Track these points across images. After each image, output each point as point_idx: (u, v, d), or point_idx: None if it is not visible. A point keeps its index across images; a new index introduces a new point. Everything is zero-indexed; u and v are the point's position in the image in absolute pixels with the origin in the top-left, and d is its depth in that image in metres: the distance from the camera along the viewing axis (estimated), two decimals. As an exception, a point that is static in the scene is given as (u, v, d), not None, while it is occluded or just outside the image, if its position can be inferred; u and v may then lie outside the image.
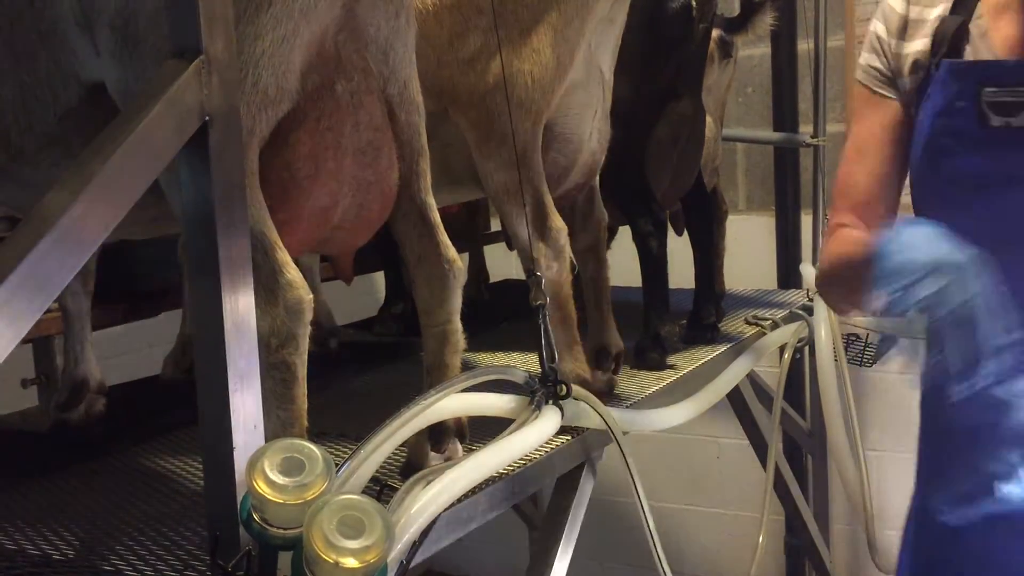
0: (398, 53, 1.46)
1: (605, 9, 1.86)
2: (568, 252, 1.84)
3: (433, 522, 1.26)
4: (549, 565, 1.64)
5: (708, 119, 2.53)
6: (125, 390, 2.17)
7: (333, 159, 1.37)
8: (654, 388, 2.02)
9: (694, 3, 2.24)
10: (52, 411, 1.90)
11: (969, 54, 1.48)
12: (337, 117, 1.36)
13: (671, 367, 2.18)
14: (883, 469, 3.41)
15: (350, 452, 1.26)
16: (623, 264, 2.37)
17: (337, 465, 1.16)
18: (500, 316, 2.81)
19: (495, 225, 3.31)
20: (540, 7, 1.74)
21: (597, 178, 2.08)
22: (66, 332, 1.91)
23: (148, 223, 1.51)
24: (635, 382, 2.07)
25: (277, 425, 1.27)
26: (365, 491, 1.25)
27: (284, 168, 1.33)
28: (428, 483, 1.27)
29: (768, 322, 2.57)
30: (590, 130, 1.94)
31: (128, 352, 2.55)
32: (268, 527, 1.03)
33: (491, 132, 1.74)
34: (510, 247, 3.07)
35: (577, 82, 1.87)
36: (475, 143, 1.77)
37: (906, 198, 1.59)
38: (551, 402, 1.56)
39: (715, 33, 2.57)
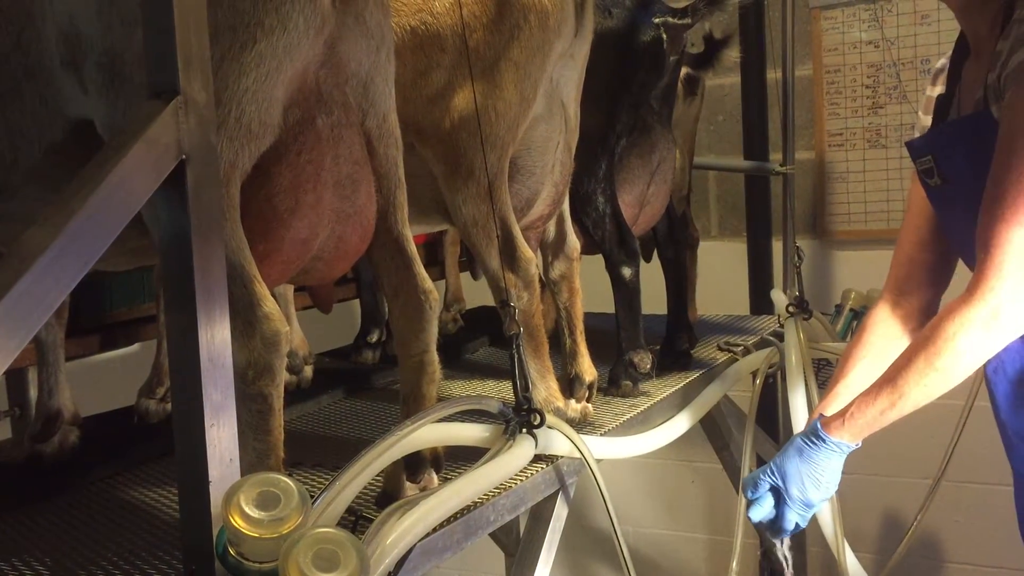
0: (378, 87, 1.49)
1: (566, 45, 1.90)
2: (537, 282, 1.87)
3: (408, 552, 1.27)
4: (525, 592, 1.66)
5: (676, 151, 2.57)
6: (99, 421, 2.16)
7: (313, 192, 1.39)
8: (628, 415, 2.05)
9: (665, 36, 2.29)
10: (26, 443, 1.89)
11: None
12: (317, 150, 1.38)
13: (644, 394, 2.20)
14: (854, 492, 3.45)
15: (326, 482, 1.27)
16: (596, 290, 2.40)
17: (313, 497, 1.17)
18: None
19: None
20: (502, 45, 1.77)
21: (568, 207, 2.12)
22: (40, 363, 1.90)
23: (129, 255, 1.51)
24: (608, 409, 2.09)
25: (253, 456, 1.28)
26: (341, 522, 1.26)
27: (265, 200, 1.34)
28: (403, 513, 1.28)
29: (740, 348, 2.60)
30: (552, 162, 1.98)
31: (102, 382, 2.53)
32: (244, 561, 1.04)
33: (458, 166, 1.77)
34: (475, 277, 3.10)
35: (539, 116, 1.91)
36: (442, 177, 1.80)
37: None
38: (525, 431, 1.58)
39: (683, 70, 2.61)
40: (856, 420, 1.58)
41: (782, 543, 1.72)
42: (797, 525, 1.66)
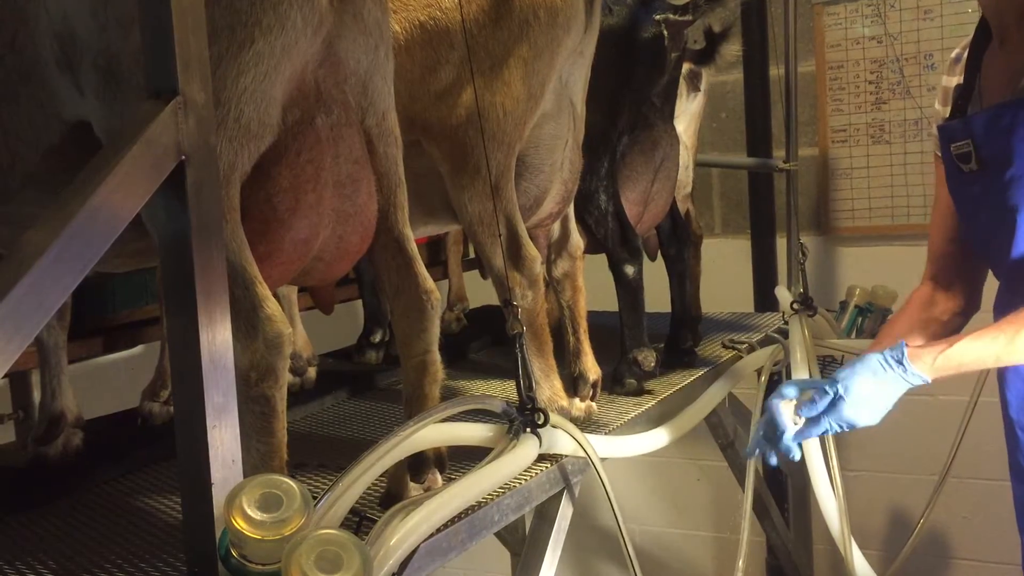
0: (377, 86, 1.48)
1: (575, 42, 1.89)
2: (542, 281, 1.86)
3: (413, 553, 1.26)
4: (530, 592, 1.65)
5: (681, 147, 2.56)
6: (103, 424, 2.16)
7: (313, 192, 1.38)
8: (632, 413, 2.04)
9: (666, 33, 2.28)
10: (29, 446, 1.89)
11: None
12: (317, 150, 1.38)
13: (649, 392, 2.20)
14: (861, 489, 3.44)
15: (330, 483, 1.27)
16: (599, 289, 2.39)
17: (316, 498, 1.17)
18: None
19: (473, 252, 3.32)
20: (511, 41, 1.76)
21: (572, 206, 2.11)
22: (42, 366, 1.90)
23: (130, 256, 1.51)
24: (613, 408, 2.09)
25: (256, 458, 1.28)
26: (344, 523, 1.26)
27: (265, 201, 1.34)
28: (407, 514, 1.27)
29: (744, 346, 2.59)
30: (561, 160, 1.97)
31: (106, 385, 2.53)
32: (247, 563, 1.04)
33: (464, 164, 1.76)
34: (483, 276, 3.09)
35: (548, 114, 1.90)
36: (448, 174, 1.79)
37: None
38: (529, 430, 1.57)
39: (685, 67, 2.60)
40: (951, 358, 1.54)
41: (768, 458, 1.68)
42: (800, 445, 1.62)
